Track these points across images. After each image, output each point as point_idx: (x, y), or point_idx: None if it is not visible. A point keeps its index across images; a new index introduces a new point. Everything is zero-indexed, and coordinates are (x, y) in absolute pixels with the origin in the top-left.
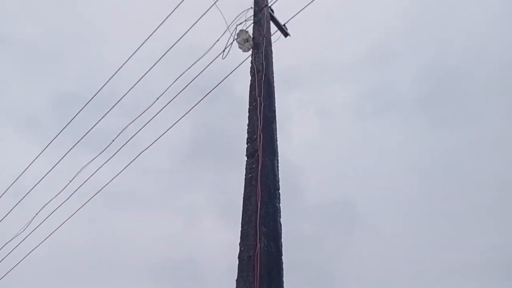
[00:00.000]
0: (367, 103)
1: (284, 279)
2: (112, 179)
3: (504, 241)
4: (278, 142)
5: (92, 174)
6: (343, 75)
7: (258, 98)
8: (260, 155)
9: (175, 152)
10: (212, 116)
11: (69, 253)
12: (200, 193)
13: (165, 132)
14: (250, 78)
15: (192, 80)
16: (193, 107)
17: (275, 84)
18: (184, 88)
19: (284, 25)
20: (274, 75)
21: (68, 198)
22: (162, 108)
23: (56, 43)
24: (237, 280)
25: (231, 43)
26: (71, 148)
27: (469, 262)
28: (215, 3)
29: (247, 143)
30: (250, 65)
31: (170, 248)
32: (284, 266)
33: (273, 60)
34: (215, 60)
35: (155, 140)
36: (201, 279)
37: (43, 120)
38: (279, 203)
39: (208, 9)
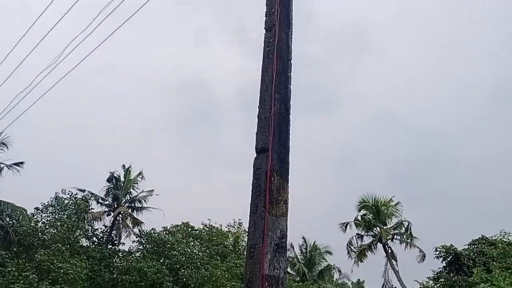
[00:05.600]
0: None
1: (292, 102)
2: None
3: None
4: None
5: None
6: None
7: None
8: (277, 29)
9: None
10: None
11: (86, 77)
12: (209, 14)
13: None
14: None
15: None
16: None
17: None
18: None
19: None
20: None
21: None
22: None
23: None
24: (256, 133)
25: None
26: None
27: None
28: None
29: (265, 16)
30: None
31: (181, 68)
32: (292, 89)
33: None
34: None
35: None
36: (213, 98)
37: None
38: (291, 71)
39: None
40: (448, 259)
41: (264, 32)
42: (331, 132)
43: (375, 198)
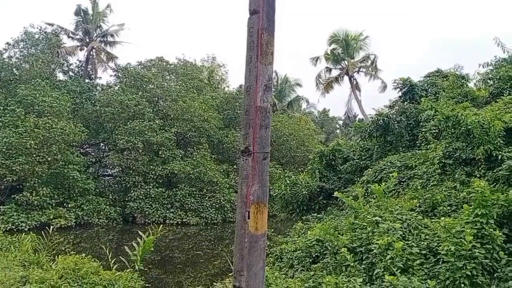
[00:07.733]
0: None
1: None
2: None
3: None
4: None
5: None
6: None
7: None
8: None
9: None
10: None
11: None
12: None
13: None
14: None
15: None
16: None
17: None
18: None
19: None
20: None
21: None
22: None
23: None
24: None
25: None
26: None
27: None
28: None
29: None
30: None
31: None
32: None
33: None
34: None
35: None
36: None
37: None
38: None
39: None
40: (404, 90)
41: None
42: None
43: (345, 32)
